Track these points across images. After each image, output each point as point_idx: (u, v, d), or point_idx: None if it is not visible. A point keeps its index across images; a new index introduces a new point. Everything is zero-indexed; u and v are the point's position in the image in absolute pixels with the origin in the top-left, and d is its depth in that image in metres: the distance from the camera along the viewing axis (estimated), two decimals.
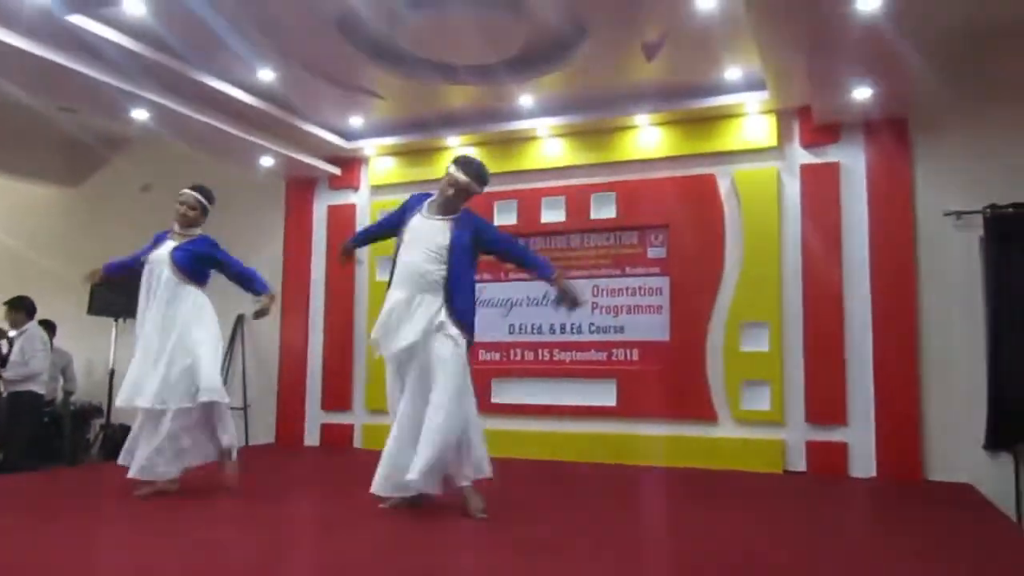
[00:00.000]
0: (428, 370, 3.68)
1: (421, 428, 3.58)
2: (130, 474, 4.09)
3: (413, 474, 3.49)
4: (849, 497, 4.95)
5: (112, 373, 7.70)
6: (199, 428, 4.24)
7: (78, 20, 4.60)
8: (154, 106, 5.68)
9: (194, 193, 4.52)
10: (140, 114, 5.83)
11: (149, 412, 4.12)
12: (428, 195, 4.03)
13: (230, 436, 4.32)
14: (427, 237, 3.79)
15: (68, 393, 7.44)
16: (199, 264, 4.42)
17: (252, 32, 5.07)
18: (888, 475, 5.46)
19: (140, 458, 4.08)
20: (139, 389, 4.11)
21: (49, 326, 7.51)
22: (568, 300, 3.81)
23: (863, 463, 5.58)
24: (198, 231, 4.54)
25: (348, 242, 4.38)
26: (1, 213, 9.26)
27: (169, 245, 4.41)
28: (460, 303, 3.76)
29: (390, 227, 4.10)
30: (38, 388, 6.39)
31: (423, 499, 3.74)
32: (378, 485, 3.70)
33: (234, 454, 4.33)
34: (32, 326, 6.54)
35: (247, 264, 4.61)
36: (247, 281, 4.52)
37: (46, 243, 8.83)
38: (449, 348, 3.67)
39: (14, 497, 4.31)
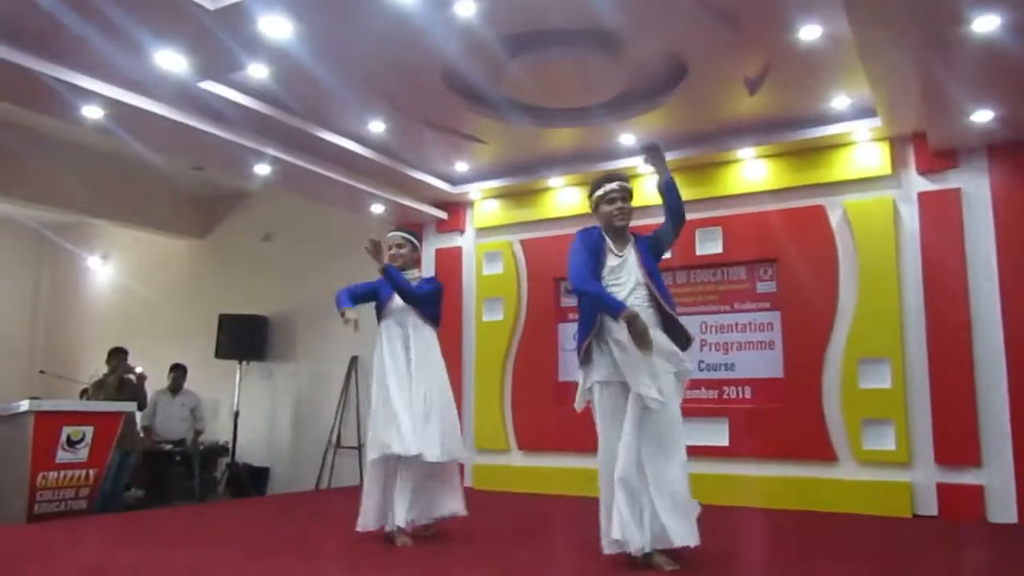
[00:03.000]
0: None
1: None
2: (398, 522, 4.03)
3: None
4: (989, 544, 4.61)
5: (237, 414, 8.12)
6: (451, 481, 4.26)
7: (208, 86, 4.99)
8: (275, 161, 6.05)
9: (401, 233, 4.53)
10: (262, 169, 6.22)
11: (411, 463, 4.06)
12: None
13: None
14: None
15: (197, 432, 7.88)
16: (431, 299, 4.42)
17: (363, 88, 5.35)
18: None
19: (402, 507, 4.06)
20: (422, 441, 4.04)
21: (180, 369, 8.02)
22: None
23: (1002, 507, 5.20)
24: (417, 273, 4.55)
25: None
26: (137, 264, 10.02)
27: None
28: None
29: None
30: None
31: None
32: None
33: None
34: None
35: (357, 311, 4.59)
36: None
37: (176, 291, 9.47)
38: None
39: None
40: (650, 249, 3.78)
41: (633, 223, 3.86)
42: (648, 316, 3.56)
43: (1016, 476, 5.17)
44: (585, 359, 3.69)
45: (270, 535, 4.57)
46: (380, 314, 4.46)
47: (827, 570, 3.71)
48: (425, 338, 4.33)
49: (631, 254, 3.71)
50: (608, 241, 3.75)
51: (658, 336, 3.53)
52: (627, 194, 3.78)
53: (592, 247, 3.72)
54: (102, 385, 7.09)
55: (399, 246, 4.47)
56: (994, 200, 5.50)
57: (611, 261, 3.70)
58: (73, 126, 5.53)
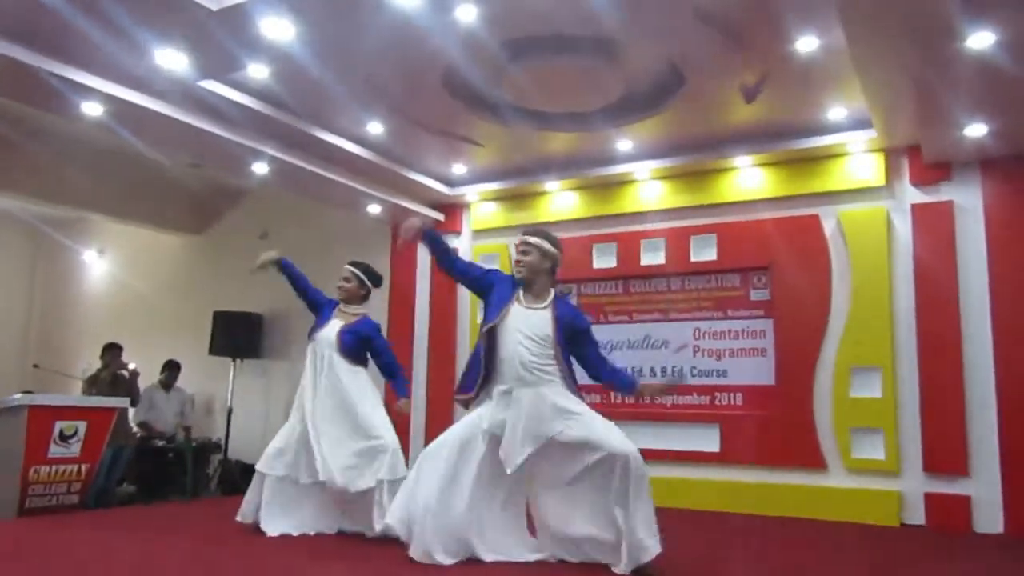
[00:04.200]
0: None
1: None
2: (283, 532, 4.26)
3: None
4: (974, 555, 4.66)
5: (230, 411, 8.13)
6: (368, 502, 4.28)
7: (208, 84, 5.01)
8: (273, 160, 6.08)
9: (349, 267, 4.64)
10: (260, 168, 6.24)
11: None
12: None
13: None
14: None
15: (186, 428, 7.90)
16: (363, 347, 4.51)
17: (363, 89, 5.37)
18: (1017, 531, 5.11)
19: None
20: (334, 470, 4.20)
21: (175, 366, 8.02)
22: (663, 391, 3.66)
23: (989, 517, 5.25)
24: (363, 310, 4.63)
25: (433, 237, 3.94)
26: (133, 259, 10.00)
27: (336, 325, 4.49)
28: None
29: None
30: None
31: None
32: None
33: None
34: None
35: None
36: (391, 375, 4.65)
37: (171, 287, 9.46)
38: None
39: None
40: (567, 327, 3.70)
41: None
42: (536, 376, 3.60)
43: (1003, 487, 5.23)
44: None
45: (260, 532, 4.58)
46: (311, 335, 4.54)
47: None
48: (340, 371, 4.40)
49: (545, 315, 3.68)
50: (520, 292, 3.76)
51: (542, 394, 3.58)
52: (528, 248, 3.76)
53: (500, 281, 3.81)
54: (95, 380, 7.08)
55: (345, 279, 4.59)
56: (986, 213, 5.55)
57: (514, 310, 3.70)
58: (72, 122, 5.54)
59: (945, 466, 5.42)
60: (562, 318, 3.69)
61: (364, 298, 4.68)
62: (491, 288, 3.82)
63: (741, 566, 3.94)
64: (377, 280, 4.74)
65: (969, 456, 5.36)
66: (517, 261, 3.78)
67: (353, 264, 4.70)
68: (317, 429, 4.29)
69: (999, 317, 5.40)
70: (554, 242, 3.82)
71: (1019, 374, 5.27)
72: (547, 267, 3.76)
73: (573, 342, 3.72)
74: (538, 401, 3.57)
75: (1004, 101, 4.63)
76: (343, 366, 4.39)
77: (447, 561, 3.47)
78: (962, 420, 5.40)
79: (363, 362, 4.52)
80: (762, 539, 4.89)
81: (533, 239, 3.78)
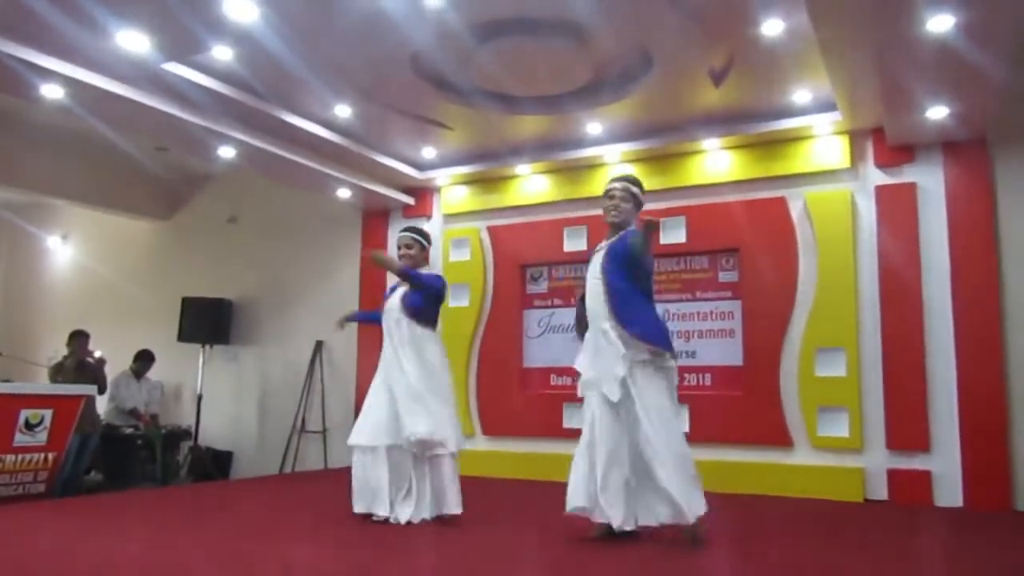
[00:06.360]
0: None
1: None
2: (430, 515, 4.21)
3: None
4: (935, 528, 4.78)
5: (200, 397, 8.07)
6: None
7: (172, 67, 4.93)
8: (240, 144, 6.01)
9: (408, 234, 4.54)
10: (227, 151, 6.17)
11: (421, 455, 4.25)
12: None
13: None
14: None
15: (153, 416, 7.83)
16: (429, 304, 4.42)
17: (329, 72, 5.32)
18: (976, 505, 5.26)
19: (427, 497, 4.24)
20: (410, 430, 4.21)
21: (148, 356, 7.93)
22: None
23: (949, 492, 5.39)
24: (424, 270, 4.53)
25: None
26: (99, 245, 9.85)
27: (400, 292, 4.47)
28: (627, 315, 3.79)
29: None
30: None
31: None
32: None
33: None
34: None
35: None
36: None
37: (139, 273, 9.34)
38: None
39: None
40: (619, 249, 3.84)
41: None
42: (601, 304, 3.81)
43: (962, 462, 5.36)
44: None
45: (234, 518, 4.58)
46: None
47: (778, 552, 3.82)
48: (404, 333, 4.37)
49: (603, 250, 3.88)
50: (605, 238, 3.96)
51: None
52: (622, 193, 3.91)
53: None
54: (61, 368, 6.99)
55: (408, 247, 4.51)
56: (948, 195, 5.65)
57: (594, 255, 3.94)
58: (33, 105, 5.43)
59: (907, 443, 5.54)
60: (613, 248, 3.86)
61: (426, 260, 4.61)
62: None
63: (708, 544, 4.00)
64: (428, 236, 4.67)
65: (930, 433, 5.49)
66: (607, 208, 3.92)
67: (408, 229, 4.59)
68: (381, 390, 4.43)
69: (959, 297, 5.51)
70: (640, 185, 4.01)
71: (979, 353, 5.39)
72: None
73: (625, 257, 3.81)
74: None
75: (963, 84, 4.70)
76: (412, 328, 4.38)
77: None
78: (923, 398, 5.52)
79: (432, 321, 4.46)
80: (729, 517, 4.97)
81: (629, 185, 3.94)
